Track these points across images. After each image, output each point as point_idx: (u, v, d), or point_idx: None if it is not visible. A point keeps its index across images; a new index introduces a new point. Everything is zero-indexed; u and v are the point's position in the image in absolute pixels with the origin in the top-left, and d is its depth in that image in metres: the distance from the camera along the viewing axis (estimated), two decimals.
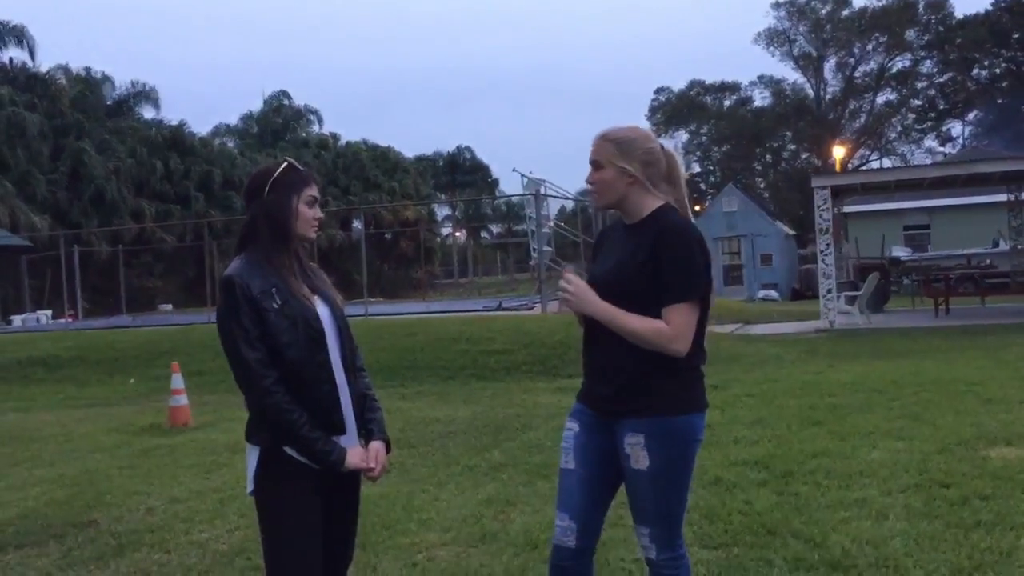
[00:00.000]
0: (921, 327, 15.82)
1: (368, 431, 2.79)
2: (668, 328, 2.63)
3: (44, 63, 38.56)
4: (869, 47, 56.59)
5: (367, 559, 4.36)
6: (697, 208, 51.89)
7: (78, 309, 26.39)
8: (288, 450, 2.58)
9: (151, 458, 7.42)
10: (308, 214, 2.68)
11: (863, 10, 55.77)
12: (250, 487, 2.65)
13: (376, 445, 2.76)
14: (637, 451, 2.67)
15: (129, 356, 14.77)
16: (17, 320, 25.57)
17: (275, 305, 2.57)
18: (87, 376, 14.08)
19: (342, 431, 2.66)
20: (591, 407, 2.82)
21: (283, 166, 2.71)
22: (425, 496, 5.54)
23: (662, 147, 2.81)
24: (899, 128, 59.11)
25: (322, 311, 2.69)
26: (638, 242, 2.70)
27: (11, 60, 37.53)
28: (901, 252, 27.28)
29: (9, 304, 29.23)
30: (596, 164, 2.78)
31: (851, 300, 17.74)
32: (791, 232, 43.97)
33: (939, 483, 5.11)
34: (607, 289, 2.70)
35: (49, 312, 27.01)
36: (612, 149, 2.75)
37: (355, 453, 2.66)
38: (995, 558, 3.92)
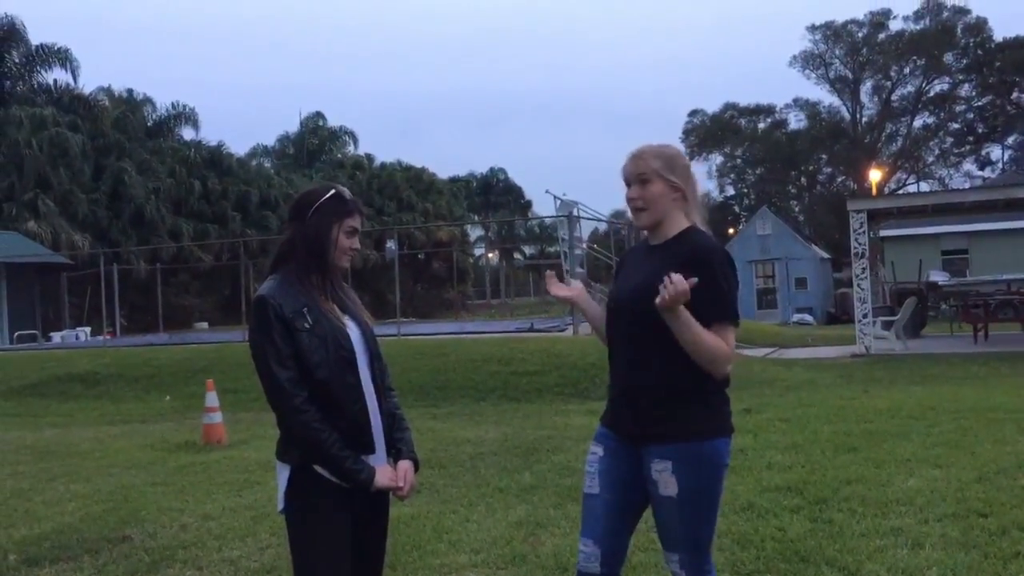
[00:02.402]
0: (959, 353, 15.58)
1: (397, 451, 2.79)
2: (727, 347, 2.60)
3: (87, 85, 39.36)
4: (906, 70, 56.25)
5: None
6: (731, 231, 51.69)
7: (116, 326, 26.76)
8: (318, 469, 2.60)
9: (185, 475, 7.49)
10: (345, 244, 2.71)
11: (900, 33, 55.51)
12: (280, 505, 2.68)
13: (405, 465, 2.76)
14: (665, 477, 2.64)
15: (165, 373, 14.94)
16: (57, 337, 25.99)
17: (306, 325, 2.59)
18: (124, 393, 14.26)
19: (371, 451, 2.68)
20: (616, 432, 2.78)
21: (331, 193, 2.72)
22: (455, 517, 5.53)
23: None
24: (937, 152, 58.59)
25: (352, 332, 2.71)
26: (666, 261, 2.62)
27: (55, 82, 38.38)
28: (939, 277, 26.88)
29: (50, 321, 29.69)
30: (643, 177, 2.71)
31: (887, 325, 17.52)
32: (826, 256, 43.61)
33: (977, 512, 5.01)
34: (632, 307, 2.66)
35: (88, 329, 27.41)
36: (660, 163, 2.71)
37: (384, 472, 2.68)
38: None
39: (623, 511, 2.78)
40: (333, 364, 2.60)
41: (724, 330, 2.60)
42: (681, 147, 2.88)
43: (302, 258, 2.68)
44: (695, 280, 2.47)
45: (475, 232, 67.13)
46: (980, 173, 55.47)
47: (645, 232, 2.84)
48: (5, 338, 26.63)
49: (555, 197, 21.31)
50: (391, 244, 45.33)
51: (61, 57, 37.38)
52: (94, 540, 5.38)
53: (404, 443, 2.82)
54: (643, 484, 2.72)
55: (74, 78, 38.04)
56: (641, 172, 2.71)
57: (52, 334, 26.71)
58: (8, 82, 37.58)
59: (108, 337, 24.32)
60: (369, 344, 2.75)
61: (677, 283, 2.45)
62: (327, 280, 2.73)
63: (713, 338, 2.57)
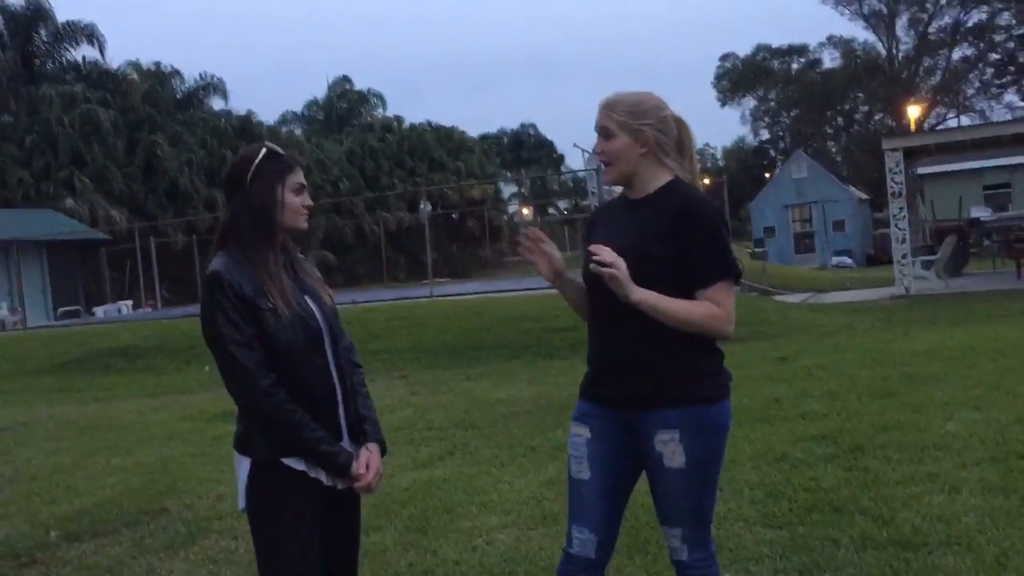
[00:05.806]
0: (1001, 290, 15.28)
1: (362, 431, 2.55)
2: (720, 310, 2.41)
3: (115, 60, 39.61)
4: (943, 1, 54.63)
5: (427, 543, 4.38)
6: (767, 176, 50.94)
7: (157, 299, 27.15)
8: (287, 462, 2.39)
9: (223, 445, 7.55)
10: (296, 203, 2.47)
11: None
12: (241, 504, 2.46)
13: (369, 448, 2.53)
14: (672, 447, 2.43)
15: (203, 343, 15.07)
16: (99, 311, 26.46)
17: (270, 304, 2.38)
18: (165, 365, 14.45)
19: (340, 438, 2.48)
20: (605, 405, 2.55)
21: (263, 152, 2.47)
22: (487, 479, 5.53)
23: (674, 116, 2.58)
24: (977, 84, 57.07)
25: (315, 311, 2.50)
26: (649, 217, 2.47)
27: (84, 58, 38.71)
28: (981, 212, 26.33)
29: (92, 296, 30.21)
30: (606, 131, 2.52)
31: (927, 264, 17.22)
32: (864, 196, 42.91)
33: (1017, 455, 4.90)
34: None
35: (130, 302, 27.88)
36: (623, 116, 2.51)
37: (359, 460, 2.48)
38: None
39: (617, 494, 2.62)
40: (302, 346, 2.41)
41: (726, 288, 2.44)
42: (661, 97, 2.67)
43: (249, 232, 2.43)
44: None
45: (508, 189, 67.01)
46: (1022, 104, 54.04)
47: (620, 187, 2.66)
48: (50, 314, 27.15)
49: (583, 151, 21.15)
50: (424, 205, 45.45)
51: (87, 33, 37.64)
52: (133, 513, 5.46)
53: (369, 423, 2.56)
54: (637, 459, 2.55)
55: (101, 54, 38.41)
56: (604, 125, 2.54)
57: (95, 309, 27.19)
58: (38, 61, 37.91)
59: (149, 309, 24.70)
60: (331, 323, 2.52)
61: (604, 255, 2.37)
62: (280, 253, 2.49)
63: (699, 307, 2.42)
